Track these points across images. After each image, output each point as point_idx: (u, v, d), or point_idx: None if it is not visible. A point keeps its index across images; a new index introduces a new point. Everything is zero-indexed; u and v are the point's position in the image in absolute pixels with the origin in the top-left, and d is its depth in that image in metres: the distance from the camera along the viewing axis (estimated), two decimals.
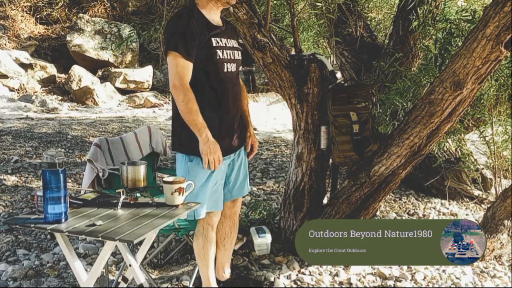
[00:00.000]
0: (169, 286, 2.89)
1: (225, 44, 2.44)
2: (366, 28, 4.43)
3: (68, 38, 11.12)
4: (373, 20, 4.92)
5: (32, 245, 3.42)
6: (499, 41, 2.37)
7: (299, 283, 2.95)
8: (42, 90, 10.55)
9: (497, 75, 3.29)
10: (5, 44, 10.95)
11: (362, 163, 3.00)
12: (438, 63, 3.10)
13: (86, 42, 11.07)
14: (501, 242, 3.31)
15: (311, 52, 3.05)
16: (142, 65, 11.42)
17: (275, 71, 2.97)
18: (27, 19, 11.73)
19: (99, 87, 10.53)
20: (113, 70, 11.12)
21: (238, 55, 2.51)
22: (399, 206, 4.38)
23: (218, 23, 2.46)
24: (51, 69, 10.88)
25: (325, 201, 3.32)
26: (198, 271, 2.68)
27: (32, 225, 1.99)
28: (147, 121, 8.70)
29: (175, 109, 2.39)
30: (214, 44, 2.38)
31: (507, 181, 4.10)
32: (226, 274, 2.76)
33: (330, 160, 3.16)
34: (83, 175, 2.94)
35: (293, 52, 3.27)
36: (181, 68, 2.30)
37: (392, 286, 2.97)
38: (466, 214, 4.26)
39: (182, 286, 2.88)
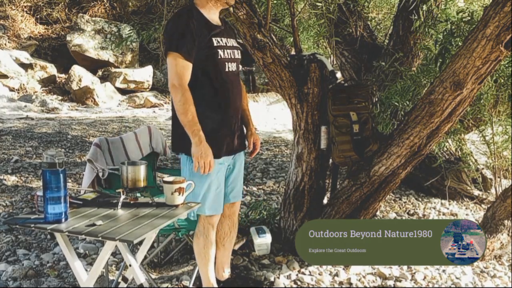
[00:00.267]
0: (169, 286, 2.89)
1: (226, 43, 2.44)
2: (366, 28, 4.43)
3: (68, 38, 11.13)
4: (373, 20, 4.92)
5: (32, 245, 3.42)
6: (499, 41, 2.37)
7: (299, 283, 2.95)
8: (42, 90, 10.55)
9: (497, 75, 3.29)
10: (5, 44, 10.96)
11: (362, 163, 3.00)
12: (438, 63, 3.10)
13: (86, 42, 11.07)
14: (501, 242, 3.31)
15: (311, 52, 3.05)
16: (142, 65, 11.42)
17: (275, 71, 2.97)
18: (27, 19, 11.74)
19: (99, 87, 10.53)
20: (113, 70, 11.13)
21: (238, 54, 2.51)
22: (399, 206, 4.38)
23: (217, 23, 2.46)
24: (51, 69, 10.88)
25: (325, 201, 3.32)
26: (198, 271, 2.68)
27: (32, 225, 1.99)
28: (147, 121, 8.71)
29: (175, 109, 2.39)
30: (215, 44, 2.38)
31: (507, 181, 4.10)
32: (226, 274, 2.76)
33: (330, 160, 3.16)
34: (83, 175, 2.94)
35: (293, 52, 3.27)
36: (180, 68, 2.29)
37: (392, 286, 2.97)
38: (466, 214, 4.26)
39: (182, 286, 2.88)
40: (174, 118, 2.44)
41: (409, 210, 4.29)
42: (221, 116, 2.42)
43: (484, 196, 4.49)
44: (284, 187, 3.45)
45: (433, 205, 4.40)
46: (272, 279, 2.94)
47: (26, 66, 10.56)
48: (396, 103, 3.44)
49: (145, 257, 2.86)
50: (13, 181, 4.74)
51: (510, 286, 3.07)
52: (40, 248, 3.39)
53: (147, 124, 5.18)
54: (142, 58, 11.63)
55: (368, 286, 2.97)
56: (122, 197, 2.22)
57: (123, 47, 10.83)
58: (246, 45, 2.92)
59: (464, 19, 3.10)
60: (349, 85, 3.55)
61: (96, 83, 10.57)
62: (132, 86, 10.91)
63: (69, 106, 9.92)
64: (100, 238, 1.90)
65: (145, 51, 11.21)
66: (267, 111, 10.00)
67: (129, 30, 8.93)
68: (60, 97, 10.41)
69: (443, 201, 4.45)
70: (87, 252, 3.30)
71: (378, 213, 3.85)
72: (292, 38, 3.31)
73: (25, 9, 11.85)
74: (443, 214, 4.24)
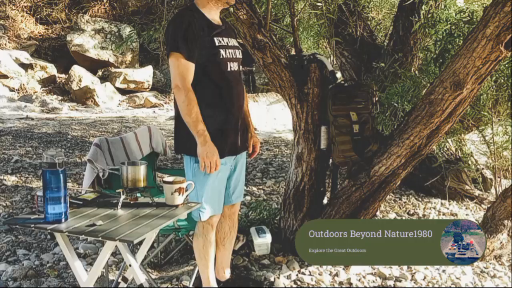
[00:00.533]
0: (169, 286, 2.89)
1: (227, 43, 2.44)
2: (366, 28, 4.43)
3: (68, 38, 11.13)
4: (373, 20, 4.92)
5: (32, 245, 3.42)
6: (499, 41, 2.37)
7: (299, 283, 2.95)
8: (42, 90, 10.55)
9: (497, 75, 3.29)
10: (5, 44, 10.96)
11: (362, 163, 3.00)
12: (438, 63, 3.10)
13: (87, 42, 11.07)
14: (501, 242, 3.31)
15: (311, 52, 3.05)
16: (142, 65, 11.42)
17: (275, 71, 2.97)
18: (27, 19, 11.73)
19: (99, 87, 10.53)
20: (113, 70, 11.13)
21: (239, 54, 2.51)
22: (399, 206, 4.38)
23: (218, 23, 2.46)
24: (51, 69, 10.88)
25: (325, 201, 3.32)
26: (198, 271, 2.68)
27: (32, 225, 1.99)
28: (147, 121, 8.70)
29: (178, 109, 2.38)
30: (217, 44, 2.38)
31: (507, 181, 4.09)
32: (226, 274, 2.76)
33: (330, 160, 3.16)
34: (83, 175, 2.94)
35: (293, 52, 3.27)
36: (183, 68, 2.29)
37: (392, 286, 2.97)
38: (466, 214, 4.26)
39: (182, 286, 2.88)
40: (177, 119, 2.44)
41: (409, 210, 4.29)
42: (224, 116, 2.42)
43: (484, 196, 4.48)
44: (284, 187, 3.45)
45: (433, 205, 4.40)
46: (272, 279, 2.94)
47: (26, 66, 10.56)
48: (395, 104, 3.44)
49: (145, 257, 2.86)
50: (13, 181, 4.74)
51: (510, 286, 3.07)
52: (40, 248, 3.39)
53: (147, 124, 5.18)
54: (142, 58, 11.62)
55: (368, 286, 2.97)
56: (122, 197, 2.22)
57: (123, 47, 10.83)
58: (246, 45, 2.92)
59: (464, 19, 3.10)
60: (349, 85, 3.55)
61: (96, 83, 10.57)
62: (132, 86, 10.91)
63: (69, 106, 9.92)
64: (100, 238, 1.90)
65: (145, 51, 11.20)
66: (267, 111, 10.00)
67: (129, 31, 8.94)
68: (60, 97, 10.41)
69: (443, 201, 4.45)
70: (87, 252, 3.30)
71: (378, 213, 3.85)
72: (292, 38, 3.31)
73: (25, 9, 11.85)
74: (443, 214, 4.24)
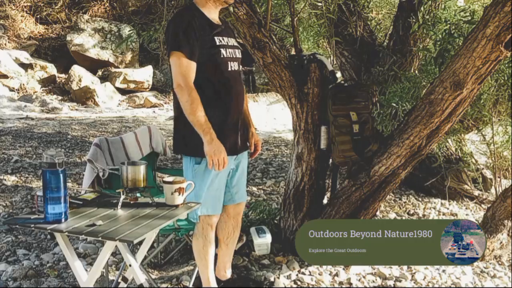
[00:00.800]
0: (169, 286, 2.89)
1: (227, 42, 2.44)
2: (366, 28, 4.43)
3: (68, 38, 11.13)
4: (373, 20, 4.92)
5: (32, 245, 3.42)
6: (499, 41, 2.37)
7: (299, 283, 2.95)
8: (42, 90, 10.55)
9: (497, 75, 3.29)
10: (5, 44, 10.95)
11: (362, 163, 3.00)
12: (438, 63, 3.10)
13: (86, 42, 11.07)
14: (501, 242, 3.31)
15: (311, 52, 3.05)
16: (142, 65, 11.42)
17: (275, 71, 2.96)
18: (27, 19, 11.73)
19: (99, 87, 10.53)
20: (113, 70, 11.12)
21: (239, 54, 2.51)
22: (399, 206, 4.38)
23: (218, 22, 2.46)
24: (51, 69, 10.88)
25: (325, 201, 3.32)
26: (198, 271, 2.68)
27: (32, 225, 1.99)
28: (147, 121, 8.70)
29: (178, 109, 2.37)
30: (218, 43, 2.38)
31: (507, 181, 4.10)
32: (227, 273, 2.76)
33: (330, 160, 3.16)
34: (83, 175, 2.94)
35: (293, 52, 3.27)
36: (185, 68, 2.28)
37: (392, 286, 2.97)
38: (466, 214, 4.26)
39: (182, 286, 2.88)
40: (176, 119, 2.43)
41: (409, 210, 4.29)
42: (225, 115, 2.42)
43: (484, 196, 4.49)
44: (284, 187, 3.45)
45: (433, 205, 4.40)
46: (272, 279, 2.94)
47: (26, 66, 10.56)
48: (395, 105, 3.44)
49: (145, 257, 2.86)
50: (13, 181, 4.74)
51: (510, 286, 3.07)
52: (40, 248, 3.39)
53: (147, 124, 5.18)
54: (142, 58, 11.62)
55: (368, 286, 2.97)
56: (122, 197, 2.22)
57: (123, 47, 10.83)
58: (246, 45, 2.92)
59: (464, 19, 3.10)
60: (349, 85, 3.55)
61: (96, 83, 10.57)
62: (132, 86, 10.90)
63: (69, 106, 9.92)
64: (100, 238, 1.90)
65: (145, 51, 11.19)
66: (267, 111, 9.99)
67: (129, 30, 8.94)
68: (60, 97, 10.40)
69: (443, 201, 4.45)
70: (87, 252, 3.30)
71: (378, 213, 3.85)
72: (292, 38, 3.31)
73: (25, 9, 11.84)
74: (443, 214, 4.24)
